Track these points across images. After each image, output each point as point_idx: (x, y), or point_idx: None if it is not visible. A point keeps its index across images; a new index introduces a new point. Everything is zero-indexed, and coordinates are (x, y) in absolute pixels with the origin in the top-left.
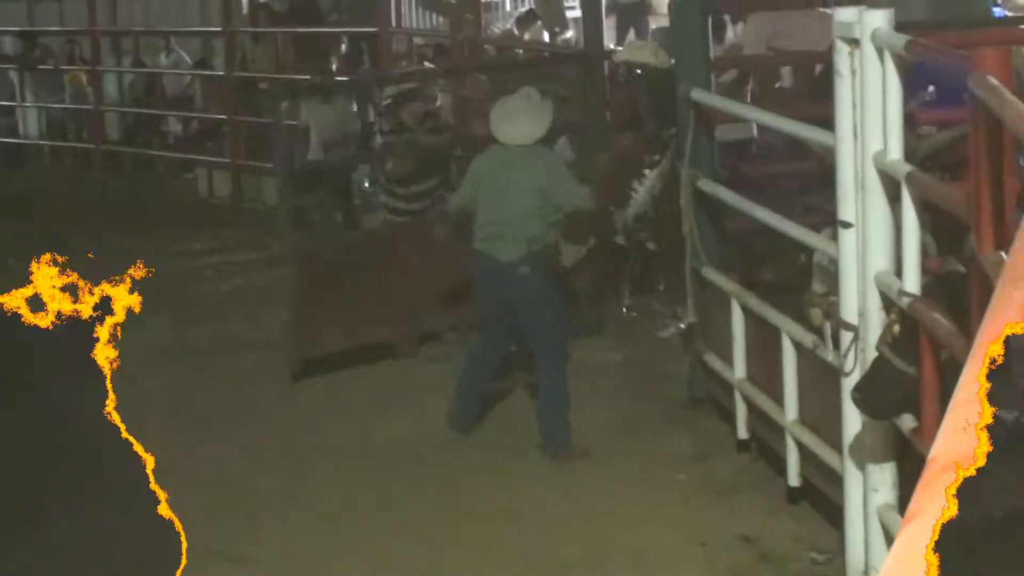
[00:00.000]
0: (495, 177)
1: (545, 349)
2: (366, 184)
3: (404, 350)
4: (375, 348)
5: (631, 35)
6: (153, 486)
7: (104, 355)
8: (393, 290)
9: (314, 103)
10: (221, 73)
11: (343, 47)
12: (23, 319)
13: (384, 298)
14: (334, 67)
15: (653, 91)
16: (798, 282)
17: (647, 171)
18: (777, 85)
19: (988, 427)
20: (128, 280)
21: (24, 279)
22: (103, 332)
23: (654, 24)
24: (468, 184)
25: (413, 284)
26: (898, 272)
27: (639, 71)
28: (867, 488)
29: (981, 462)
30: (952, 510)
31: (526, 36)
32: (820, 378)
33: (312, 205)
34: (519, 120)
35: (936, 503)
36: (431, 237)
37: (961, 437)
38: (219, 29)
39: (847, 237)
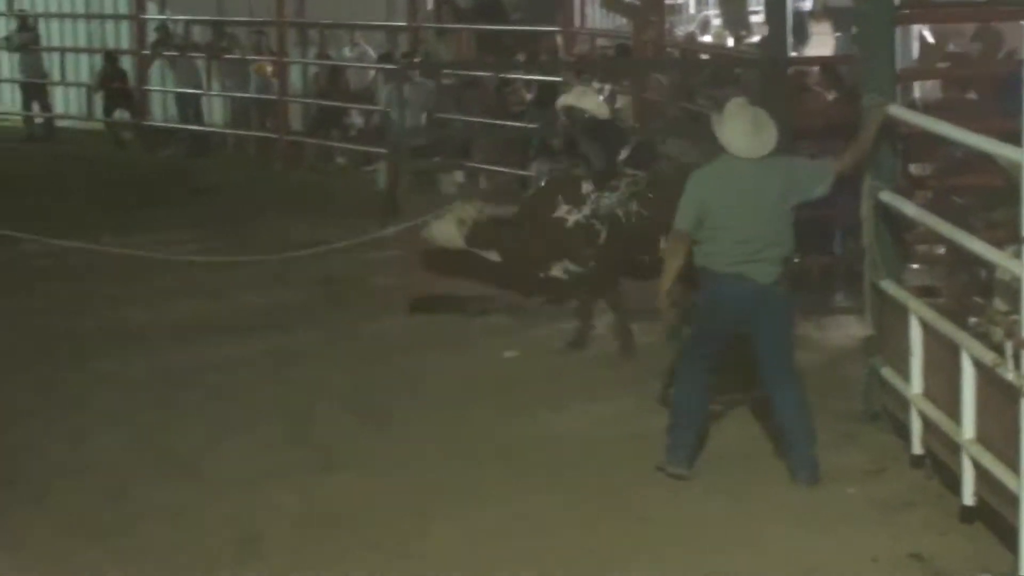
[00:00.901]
0: (737, 194)
1: (787, 370)
2: None
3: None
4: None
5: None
6: None
7: None
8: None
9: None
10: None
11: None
12: None
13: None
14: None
15: (596, 136)
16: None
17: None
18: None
19: None
20: None
21: None
22: None
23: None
24: (695, 205)
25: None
26: None
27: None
28: None
29: None
30: None
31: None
32: (999, 397)
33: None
34: (759, 131)
35: None
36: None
37: None
38: (404, 24)
39: None
